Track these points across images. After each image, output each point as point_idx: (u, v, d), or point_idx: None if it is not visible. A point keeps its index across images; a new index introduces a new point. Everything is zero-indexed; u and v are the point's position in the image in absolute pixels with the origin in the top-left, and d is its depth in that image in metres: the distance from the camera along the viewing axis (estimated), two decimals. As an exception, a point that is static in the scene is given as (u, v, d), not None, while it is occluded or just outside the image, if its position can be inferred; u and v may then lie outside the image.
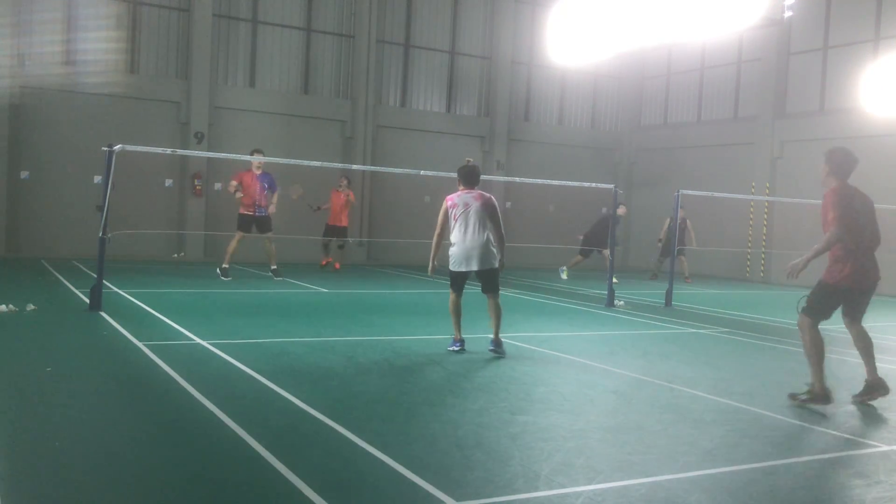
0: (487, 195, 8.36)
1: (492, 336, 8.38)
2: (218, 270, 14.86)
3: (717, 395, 6.94)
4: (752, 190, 21.45)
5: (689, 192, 15.20)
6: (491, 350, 8.30)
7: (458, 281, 8.39)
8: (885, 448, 5.60)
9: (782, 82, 21.49)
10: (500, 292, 8.52)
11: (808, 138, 20.57)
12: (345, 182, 17.39)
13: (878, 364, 6.98)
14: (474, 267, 8.22)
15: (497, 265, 8.31)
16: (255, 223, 14.93)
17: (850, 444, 5.72)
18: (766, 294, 18.19)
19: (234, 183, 14.76)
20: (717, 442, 5.52)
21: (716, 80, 23.66)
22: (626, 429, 5.77)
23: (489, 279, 8.32)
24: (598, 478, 4.62)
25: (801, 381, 7.57)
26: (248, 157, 14.83)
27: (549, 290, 15.63)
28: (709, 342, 10.27)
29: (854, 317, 6.99)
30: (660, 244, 19.91)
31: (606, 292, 13.57)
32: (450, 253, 8.35)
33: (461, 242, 8.19)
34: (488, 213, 8.21)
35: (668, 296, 13.95)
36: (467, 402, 6.36)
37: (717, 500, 4.40)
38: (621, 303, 13.62)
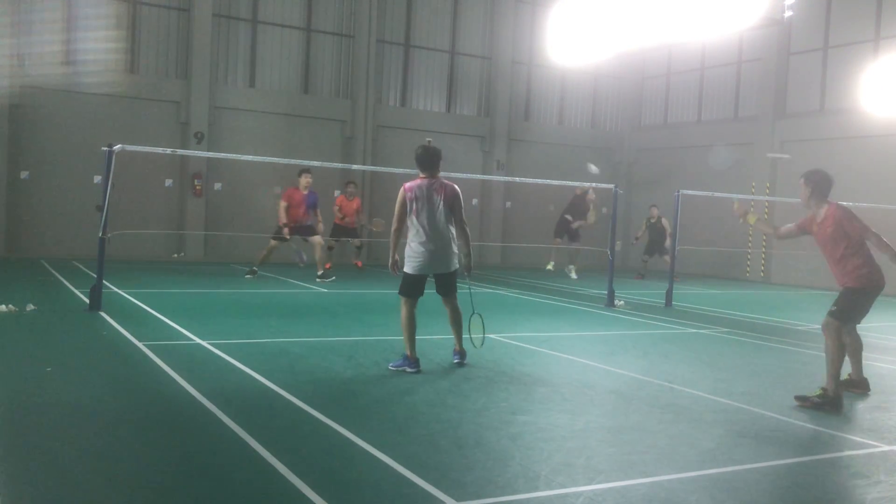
0: (451, 185, 7.38)
1: (455, 346, 7.69)
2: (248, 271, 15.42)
3: (717, 395, 6.94)
4: (752, 190, 21.45)
5: (689, 192, 15.20)
6: (456, 362, 7.57)
7: (415, 285, 7.37)
8: (885, 448, 5.59)
9: (782, 82, 21.49)
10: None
11: (808, 138, 20.57)
12: (351, 188, 17.44)
13: (879, 364, 7.01)
14: (437, 269, 7.36)
15: (457, 267, 7.46)
16: (298, 232, 15.27)
17: (850, 444, 5.71)
18: (766, 294, 18.18)
19: (283, 204, 15.04)
20: (717, 442, 5.52)
21: (716, 80, 23.66)
22: (626, 429, 5.77)
23: (448, 282, 7.46)
24: (598, 478, 4.62)
25: (801, 381, 7.59)
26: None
27: (549, 290, 15.62)
28: (709, 342, 10.27)
29: (860, 320, 7.15)
30: (636, 242, 20.62)
31: (606, 292, 13.57)
32: (407, 253, 7.35)
33: (421, 239, 7.22)
34: (449, 206, 7.25)
35: (668, 296, 13.95)
36: (467, 402, 6.35)
37: (717, 500, 4.39)
38: (621, 303, 13.62)
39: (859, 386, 7.33)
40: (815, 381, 7.68)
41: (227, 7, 20.47)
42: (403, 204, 7.26)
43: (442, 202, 7.24)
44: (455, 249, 7.40)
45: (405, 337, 7.37)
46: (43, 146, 18.39)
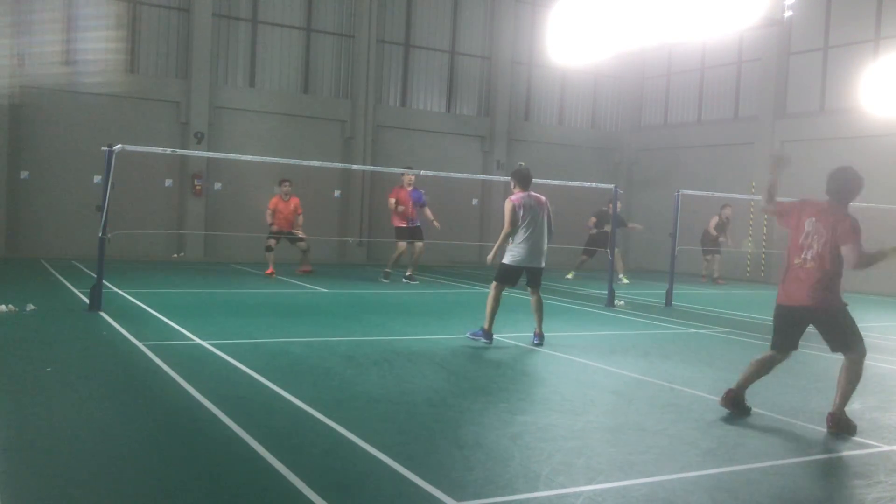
0: (544, 197, 9.00)
1: (535, 330, 8.94)
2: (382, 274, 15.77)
3: (717, 395, 6.91)
4: (752, 190, 21.44)
5: (689, 192, 15.20)
6: (535, 344, 8.82)
7: (509, 275, 8.89)
8: (885, 448, 5.59)
9: (782, 82, 21.49)
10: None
11: (808, 138, 20.57)
12: (286, 187, 15.65)
13: (879, 364, 6.96)
14: (531, 264, 8.84)
15: (545, 264, 9.00)
16: (410, 233, 15.53)
17: (850, 444, 5.71)
18: (766, 294, 18.16)
19: (392, 200, 15.37)
20: (717, 442, 5.52)
21: (716, 80, 23.65)
22: (626, 429, 5.77)
23: (537, 276, 8.99)
24: (598, 478, 4.62)
25: (801, 381, 7.58)
26: (399, 171, 15.71)
27: (549, 290, 15.58)
28: (709, 342, 10.27)
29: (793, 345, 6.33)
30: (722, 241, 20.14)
31: (606, 292, 13.57)
32: (509, 248, 8.84)
33: (528, 242, 8.76)
34: (546, 212, 8.91)
35: (669, 296, 13.95)
36: (467, 402, 6.35)
37: (718, 500, 4.39)
38: (621, 303, 13.62)
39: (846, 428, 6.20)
40: (815, 381, 7.69)
41: (227, 7, 20.47)
42: (514, 212, 8.77)
43: (542, 210, 8.86)
44: (546, 249, 8.94)
45: (488, 314, 8.76)
46: (43, 146, 18.39)
